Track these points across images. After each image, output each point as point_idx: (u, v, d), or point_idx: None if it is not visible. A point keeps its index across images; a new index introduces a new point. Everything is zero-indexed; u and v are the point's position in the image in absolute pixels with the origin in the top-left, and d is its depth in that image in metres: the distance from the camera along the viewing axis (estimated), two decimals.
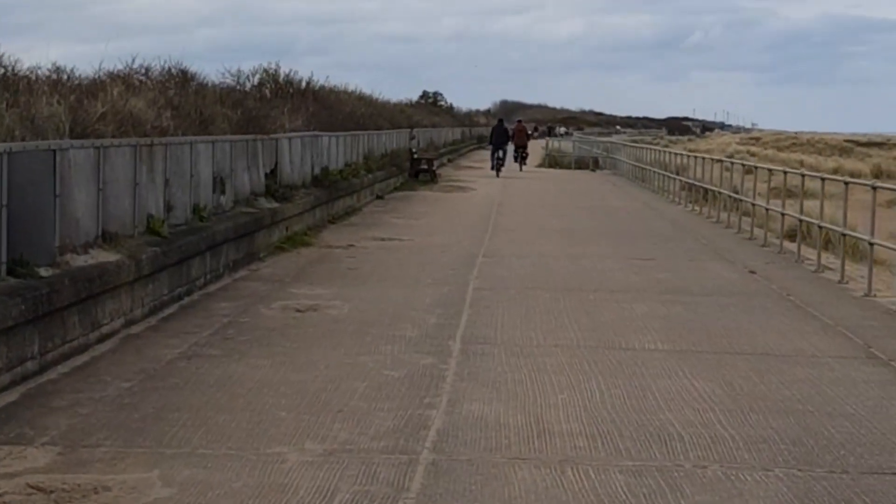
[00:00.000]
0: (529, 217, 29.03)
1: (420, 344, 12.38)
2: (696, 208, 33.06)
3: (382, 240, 22.75)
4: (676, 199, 37.16)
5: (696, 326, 13.97)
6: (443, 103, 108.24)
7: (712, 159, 36.20)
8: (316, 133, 26.25)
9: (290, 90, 32.28)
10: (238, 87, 22.19)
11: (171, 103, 16.82)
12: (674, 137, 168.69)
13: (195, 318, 13.48)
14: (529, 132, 66.20)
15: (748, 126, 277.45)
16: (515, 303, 15.34)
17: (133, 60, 18.52)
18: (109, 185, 12.73)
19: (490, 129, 56.55)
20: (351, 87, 43.48)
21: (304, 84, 32.63)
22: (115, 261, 12.20)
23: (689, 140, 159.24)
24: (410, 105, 68.63)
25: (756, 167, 30.48)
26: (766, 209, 25.71)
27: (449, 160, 65.90)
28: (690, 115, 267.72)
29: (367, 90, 55.87)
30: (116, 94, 15.17)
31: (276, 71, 32.24)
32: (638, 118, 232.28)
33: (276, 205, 20.66)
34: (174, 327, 12.99)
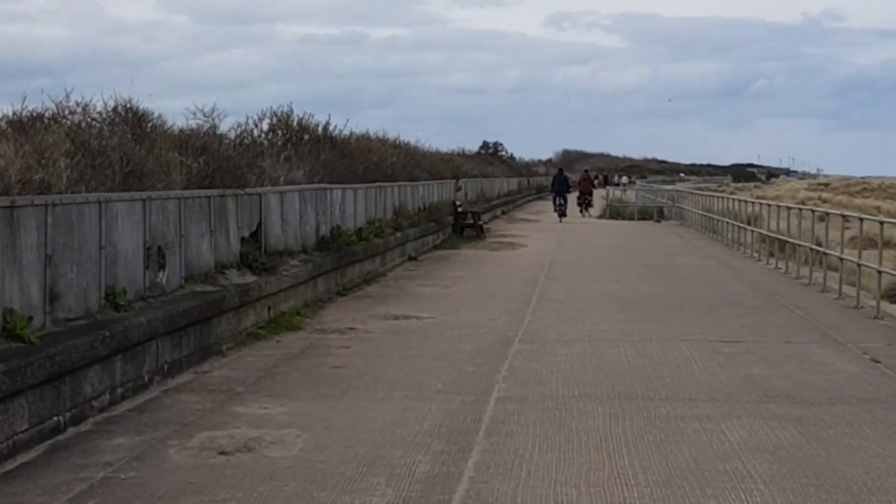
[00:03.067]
0: (583, 281, 24.27)
1: None
2: (777, 264, 28.13)
3: (396, 318, 18.09)
4: (753, 254, 32.31)
5: (824, 470, 9.18)
6: (503, 153, 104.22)
7: (788, 207, 31.59)
8: (322, 186, 21.69)
9: (305, 137, 27.83)
10: (209, 131, 17.59)
11: (85, 149, 12.29)
12: (739, 184, 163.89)
13: (56, 473, 8.83)
14: (594, 181, 67.33)
15: (814, 172, 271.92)
16: (552, 427, 10.61)
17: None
18: None
19: (550, 178, 61.60)
20: (390, 136, 39.01)
21: (319, 130, 28.11)
22: None
23: (756, 187, 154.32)
24: (460, 154, 64.06)
25: (844, 215, 25.52)
26: (858, 265, 20.97)
27: (503, 212, 61.33)
28: (755, 162, 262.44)
29: (423, 140, 51.83)
30: None
31: (287, 115, 27.79)
32: (702, 165, 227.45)
33: (251, 279, 16.07)
34: (14, 491, 8.37)
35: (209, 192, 15.34)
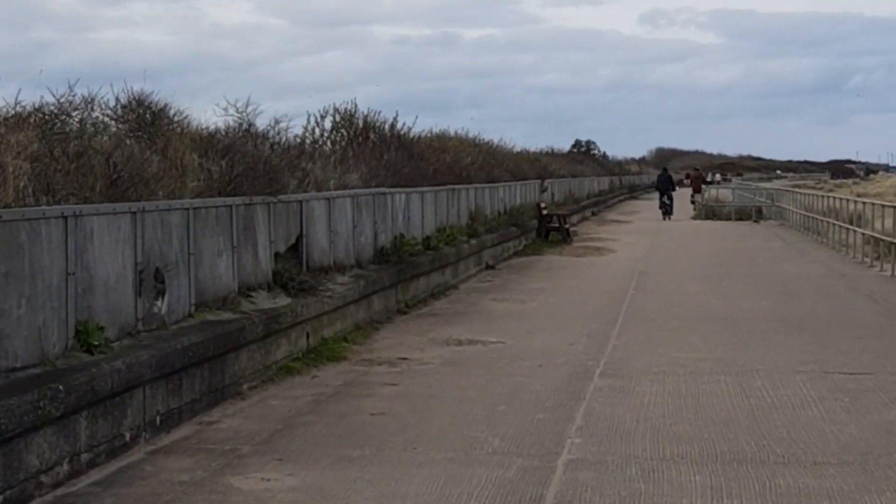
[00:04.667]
0: (677, 294, 21.59)
1: None
2: (894, 271, 25.24)
3: (459, 343, 15.61)
4: (864, 259, 29.34)
5: None
6: (595, 152, 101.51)
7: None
8: (380, 190, 19.26)
9: (371, 136, 25.47)
10: (244, 129, 15.22)
11: (61, 152, 9.96)
12: (837, 181, 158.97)
13: None
14: (705, 178, 69.76)
15: None
16: None
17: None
18: None
19: (653, 177, 68.21)
20: (471, 135, 36.57)
21: (386, 128, 25.72)
22: None
23: (855, 183, 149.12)
24: (548, 153, 61.38)
25: None
26: None
27: (592, 213, 58.58)
28: (853, 158, 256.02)
29: (507, 140, 49.58)
30: None
31: (351, 113, 25.44)
32: (798, 162, 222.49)
33: (284, 302, 13.68)
34: None
35: (231, 199, 12.96)
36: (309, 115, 24.94)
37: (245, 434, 10.32)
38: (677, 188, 58.01)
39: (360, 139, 25.11)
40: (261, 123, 16.36)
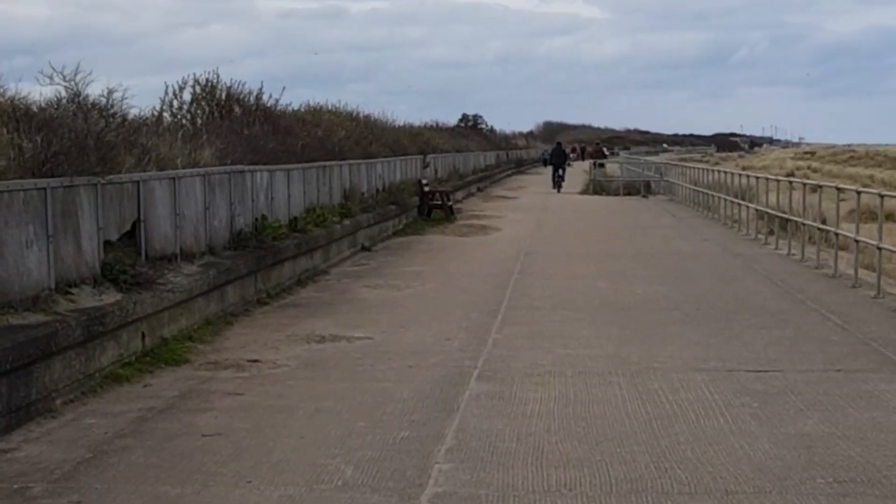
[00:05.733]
0: (565, 278, 20.07)
1: None
2: (790, 250, 23.98)
3: (321, 340, 13.87)
4: (758, 235, 28.22)
5: None
6: (482, 126, 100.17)
7: (789, 181, 28.17)
8: (239, 168, 17.42)
9: (236, 110, 23.57)
10: (71, 100, 13.26)
11: None
12: (723, 154, 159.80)
13: None
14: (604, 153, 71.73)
15: (796, 140, 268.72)
16: None
17: None
18: None
19: (541, 151, 70.96)
20: (348, 108, 34.72)
21: (251, 99, 23.84)
22: None
23: (740, 156, 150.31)
24: (432, 128, 59.59)
25: (857, 191, 21.31)
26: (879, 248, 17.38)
27: (478, 189, 57.02)
28: (738, 131, 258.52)
29: (389, 113, 47.95)
30: None
31: (212, 84, 23.50)
32: (685, 135, 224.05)
33: (112, 298, 11.82)
34: None
35: (46, 181, 11.07)
36: (167, 87, 23.01)
37: (43, 466, 8.50)
38: (571, 163, 62.83)
39: (224, 112, 23.22)
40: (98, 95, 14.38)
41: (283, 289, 18.25)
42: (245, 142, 19.49)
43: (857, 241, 19.47)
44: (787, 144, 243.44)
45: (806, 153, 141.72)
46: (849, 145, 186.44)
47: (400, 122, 45.24)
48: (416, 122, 54.28)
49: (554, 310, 16.30)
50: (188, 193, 15.05)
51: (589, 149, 70.60)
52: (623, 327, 14.75)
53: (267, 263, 17.41)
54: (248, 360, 12.52)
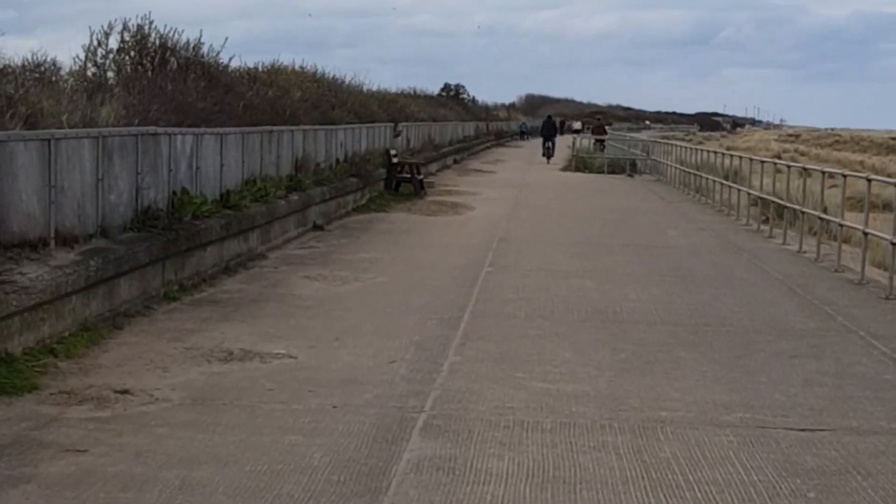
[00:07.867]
0: (544, 273, 16.93)
1: None
2: (797, 245, 20.93)
3: (227, 359, 10.68)
4: (756, 224, 25.37)
5: None
6: (464, 96, 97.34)
7: (798, 167, 25.65)
8: (149, 129, 14.15)
9: (172, 62, 20.31)
10: None
11: None
12: (706, 133, 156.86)
13: None
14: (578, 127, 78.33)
15: (777, 122, 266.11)
16: None
17: None
18: None
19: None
20: (310, 69, 31.42)
21: (191, 51, 20.56)
22: None
23: (723, 136, 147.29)
24: (409, 94, 56.32)
25: (869, 179, 18.28)
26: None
27: (455, 161, 53.90)
28: (720, 111, 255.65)
29: (392, 83, 44.95)
30: None
31: (145, 31, 20.19)
32: (667, 113, 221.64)
33: None
34: None
35: None
36: (92, 32, 19.69)
37: None
38: (558, 134, 63.68)
39: (155, 65, 19.96)
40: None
41: (204, 279, 15.04)
42: (169, 99, 16.23)
43: (866, 235, 16.39)
44: (769, 126, 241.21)
45: (790, 136, 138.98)
46: (832, 129, 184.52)
47: (374, 87, 41.97)
48: (396, 89, 51.15)
49: (529, 320, 13.16)
50: (72, 160, 11.82)
51: (593, 125, 69.47)
52: (616, 349, 11.62)
53: (181, 248, 14.18)
54: (117, 391, 9.29)
